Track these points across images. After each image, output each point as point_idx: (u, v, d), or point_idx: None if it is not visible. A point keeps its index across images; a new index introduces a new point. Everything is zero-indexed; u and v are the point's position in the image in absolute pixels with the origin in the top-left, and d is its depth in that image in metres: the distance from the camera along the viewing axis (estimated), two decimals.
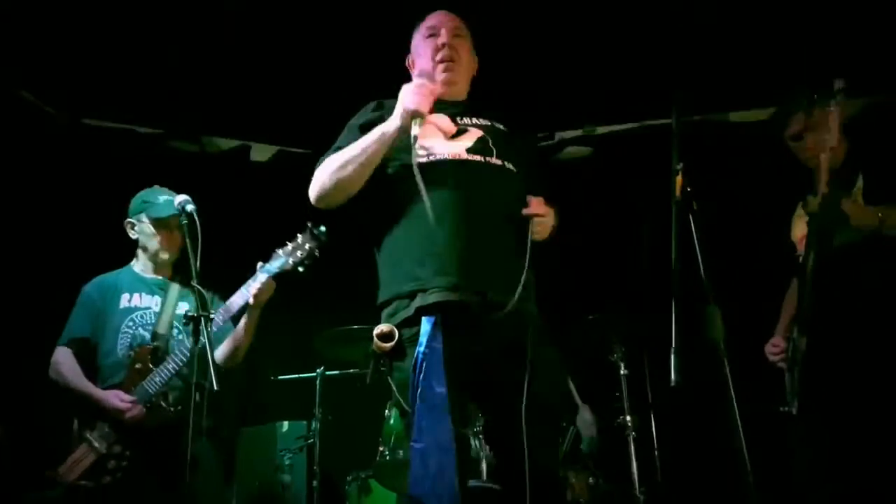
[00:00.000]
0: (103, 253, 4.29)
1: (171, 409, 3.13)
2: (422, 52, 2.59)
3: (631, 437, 3.80)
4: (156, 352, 3.20)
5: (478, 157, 2.39)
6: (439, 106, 2.46)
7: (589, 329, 4.03)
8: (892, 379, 2.69)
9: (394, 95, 2.41)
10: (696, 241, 2.72)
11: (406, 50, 2.69)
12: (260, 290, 3.13)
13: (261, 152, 5.37)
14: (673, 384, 2.52)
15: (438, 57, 2.53)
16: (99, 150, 4.83)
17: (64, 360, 3.24)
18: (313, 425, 4.13)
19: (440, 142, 2.40)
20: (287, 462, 4.25)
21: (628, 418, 3.81)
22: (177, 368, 3.12)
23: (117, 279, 3.41)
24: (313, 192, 2.47)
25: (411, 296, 2.26)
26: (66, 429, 3.15)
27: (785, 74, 4.07)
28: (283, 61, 4.50)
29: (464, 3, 3.71)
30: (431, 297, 2.21)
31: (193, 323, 2.67)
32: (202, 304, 2.69)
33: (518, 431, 2.19)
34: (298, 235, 3.19)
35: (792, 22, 4.03)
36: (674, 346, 2.49)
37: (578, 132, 5.20)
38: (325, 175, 2.43)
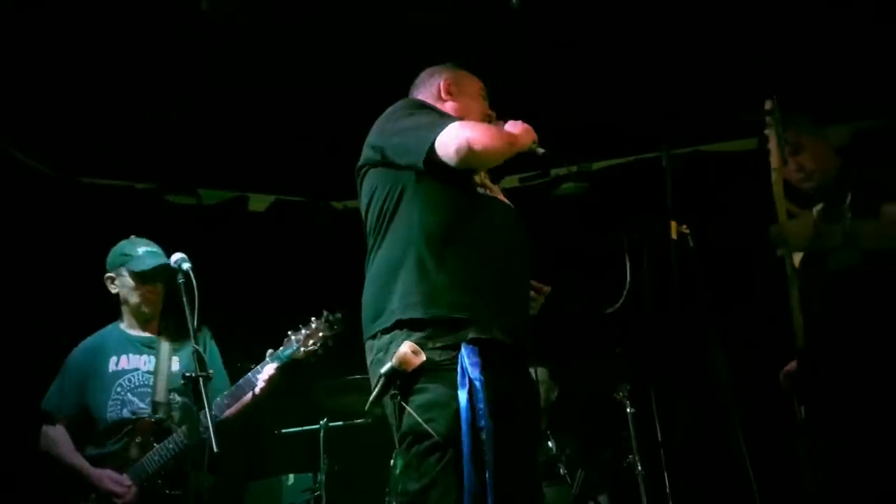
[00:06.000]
0: (103, 312, 4.29)
1: (168, 491, 3.02)
2: (474, 102, 2.60)
3: (640, 476, 3.74)
4: (158, 425, 3.11)
5: (507, 202, 2.45)
6: None
7: (593, 369, 4.00)
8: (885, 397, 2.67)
9: None
10: (695, 279, 2.72)
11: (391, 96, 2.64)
12: (267, 381, 3.08)
13: (258, 202, 5.39)
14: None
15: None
16: (96, 207, 4.83)
17: (55, 434, 3.18)
18: (319, 477, 4.08)
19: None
20: None
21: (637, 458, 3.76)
22: (177, 451, 3.02)
23: (103, 340, 3.33)
24: (477, 143, 2.19)
25: (459, 324, 2.15)
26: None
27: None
28: (277, 110, 4.52)
29: (457, 45, 3.82)
30: (478, 332, 2.14)
31: (192, 384, 2.62)
32: (201, 365, 2.65)
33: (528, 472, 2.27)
34: (312, 321, 3.14)
35: (777, 49, 4.06)
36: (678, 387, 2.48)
37: (573, 168, 5.20)
38: (492, 135, 2.27)
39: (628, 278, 2.74)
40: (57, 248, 4.58)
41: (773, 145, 2.84)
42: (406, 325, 2.16)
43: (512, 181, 5.11)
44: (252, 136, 4.72)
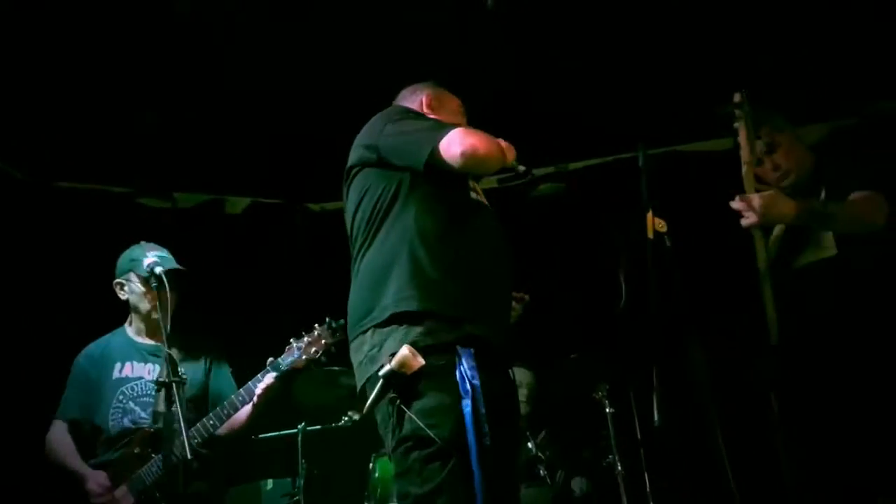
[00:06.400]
0: (82, 316, 4.24)
1: (165, 503, 2.96)
2: (454, 118, 2.60)
3: (620, 476, 3.74)
4: (156, 436, 3.01)
5: (490, 208, 2.48)
6: None
7: (572, 368, 3.99)
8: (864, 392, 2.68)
9: None
10: (672, 278, 2.72)
11: (369, 105, 2.63)
12: (265, 390, 3.03)
13: (234, 205, 5.35)
14: (656, 424, 2.51)
15: None
16: (72, 212, 4.77)
17: (58, 438, 3.13)
18: (298, 482, 4.04)
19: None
20: None
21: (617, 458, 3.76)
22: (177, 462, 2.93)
23: (109, 346, 3.27)
24: (482, 148, 2.23)
25: (454, 319, 2.16)
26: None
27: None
28: (253, 112, 4.48)
29: (438, 47, 3.81)
30: (472, 329, 2.15)
31: (165, 389, 2.58)
32: (173, 370, 2.61)
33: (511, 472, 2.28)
34: (315, 327, 3.07)
35: (755, 49, 4.08)
36: (655, 386, 2.48)
37: (551, 169, 5.22)
38: (493, 143, 2.29)
39: (623, 282, 2.76)
40: (31, 254, 4.52)
41: (742, 139, 2.85)
42: (402, 320, 2.16)
43: (490, 182, 5.11)
44: (228, 139, 4.68)
